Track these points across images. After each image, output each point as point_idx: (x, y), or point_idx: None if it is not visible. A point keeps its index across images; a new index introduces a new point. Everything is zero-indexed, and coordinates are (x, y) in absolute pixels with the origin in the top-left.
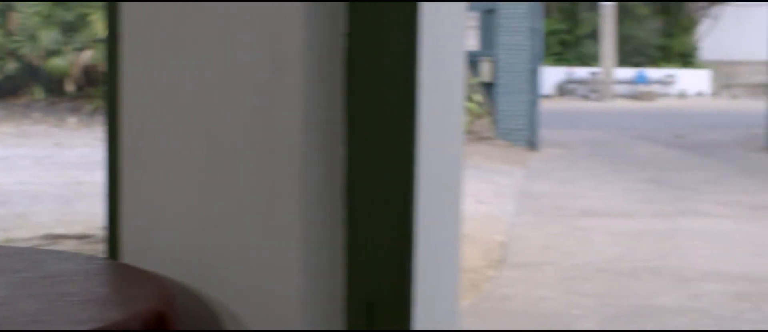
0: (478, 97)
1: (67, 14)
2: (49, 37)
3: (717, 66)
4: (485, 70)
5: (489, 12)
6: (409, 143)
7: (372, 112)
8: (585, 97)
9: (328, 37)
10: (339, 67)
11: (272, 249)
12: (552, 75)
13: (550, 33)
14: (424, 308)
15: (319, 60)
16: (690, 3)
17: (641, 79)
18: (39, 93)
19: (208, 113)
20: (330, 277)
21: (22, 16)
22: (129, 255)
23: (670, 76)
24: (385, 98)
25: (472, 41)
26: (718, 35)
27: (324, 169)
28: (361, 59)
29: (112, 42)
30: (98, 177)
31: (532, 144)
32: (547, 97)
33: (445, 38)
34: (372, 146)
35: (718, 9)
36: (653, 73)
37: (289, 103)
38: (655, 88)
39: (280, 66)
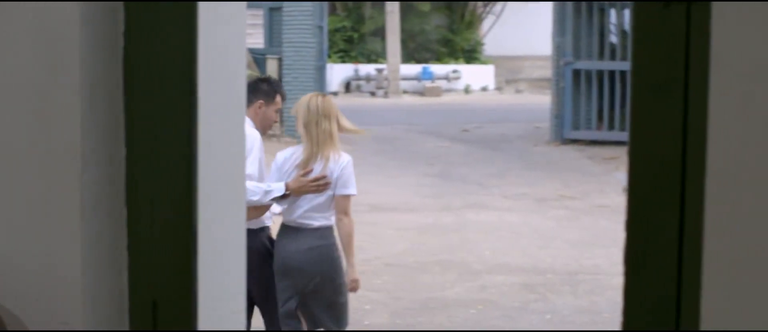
0: None
1: None
2: None
3: (501, 61)
4: (271, 67)
5: (274, 9)
6: (189, 142)
7: (151, 112)
8: (372, 93)
9: (106, 38)
10: (119, 67)
11: (53, 250)
12: (338, 72)
13: (336, 30)
14: (208, 307)
15: (97, 61)
16: (472, 0)
17: (427, 75)
18: None
19: None
20: (114, 277)
21: None
22: None
23: (456, 71)
24: (164, 97)
25: (258, 39)
26: (501, 31)
27: (105, 170)
28: (139, 59)
29: None
30: None
31: None
32: (334, 94)
33: (224, 37)
34: (152, 146)
35: (500, 5)
36: (438, 69)
37: (67, 104)
38: (441, 83)
39: (57, 68)
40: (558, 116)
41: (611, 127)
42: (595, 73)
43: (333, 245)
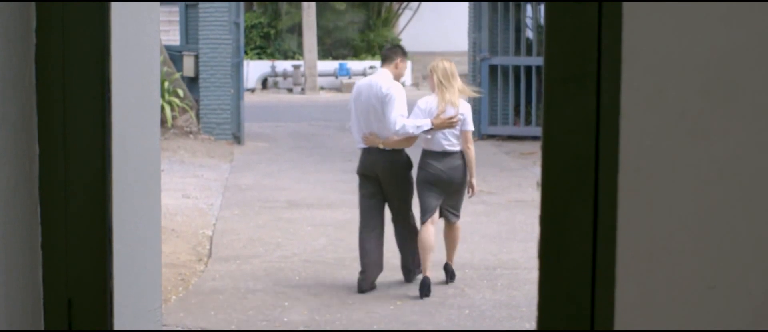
0: (181, 91)
1: None
2: None
3: (418, 57)
4: (188, 64)
5: (190, 6)
6: (102, 139)
7: (64, 109)
8: (289, 90)
9: (18, 34)
10: (32, 64)
11: None
12: (255, 69)
13: (252, 27)
14: (124, 305)
15: (9, 57)
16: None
17: (343, 72)
18: None
19: None
20: (28, 276)
21: None
22: None
23: (372, 67)
24: (77, 94)
25: (174, 36)
26: (418, 27)
27: (18, 167)
28: (51, 55)
29: None
30: None
31: (237, 138)
32: (251, 90)
33: (138, 33)
34: (65, 144)
35: (416, 2)
36: (355, 65)
37: None
38: (358, 79)
39: None
40: (475, 112)
41: (528, 122)
42: (511, 68)
43: (464, 162)
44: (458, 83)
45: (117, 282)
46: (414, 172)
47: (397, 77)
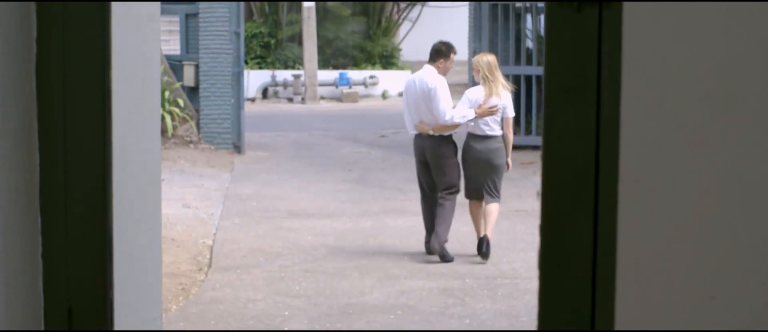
0: (182, 101)
1: None
2: None
3: (418, 67)
4: (188, 74)
5: (190, 16)
6: (103, 148)
7: (64, 118)
8: (289, 99)
9: (19, 43)
10: (33, 73)
11: None
12: (256, 78)
13: (252, 36)
14: (124, 313)
15: (9, 65)
16: (389, 5)
17: (344, 81)
18: None
19: None
20: (29, 284)
21: None
22: None
23: (373, 77)
24: (76, 103)
25: (174, 46)
26: (418, 37)
27: (19, 176)
28: (52, 64)
29: None
30: None
31: (237, 147)
32: (251, 100)
33: (138, 43)
34: (66, 153)
35: (416, 11)
36: (356, 74)
37: None
38: (359, 89)
39: None
40: None
41: (528, 132)
42: (511, 78)
43: (503, 145)
44: (500, 75)
45: (117, 290)
46: (459, 155)
47: (444, 72)
